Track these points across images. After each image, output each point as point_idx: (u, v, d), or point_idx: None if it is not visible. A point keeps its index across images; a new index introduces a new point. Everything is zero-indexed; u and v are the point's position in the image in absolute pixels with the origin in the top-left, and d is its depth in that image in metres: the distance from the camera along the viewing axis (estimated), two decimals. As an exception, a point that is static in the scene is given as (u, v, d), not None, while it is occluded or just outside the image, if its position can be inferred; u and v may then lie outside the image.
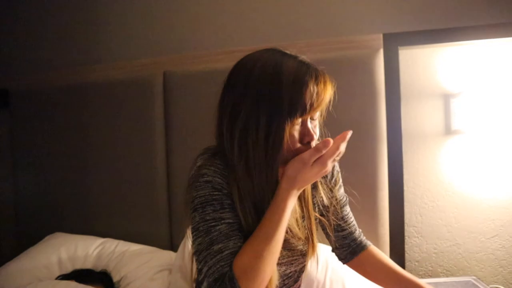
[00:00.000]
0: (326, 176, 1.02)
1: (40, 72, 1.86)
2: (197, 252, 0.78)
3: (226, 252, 0.76)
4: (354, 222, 1.06)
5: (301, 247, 0.94)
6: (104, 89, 1.70)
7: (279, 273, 0.92)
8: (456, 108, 1.45)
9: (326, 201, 0.99)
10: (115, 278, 1.39)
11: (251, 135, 0.79)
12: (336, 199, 1.02)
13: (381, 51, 1.42)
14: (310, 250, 0.95)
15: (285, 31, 1.63)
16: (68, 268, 1.45)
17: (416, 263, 1.54)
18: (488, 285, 1.31)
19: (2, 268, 1.46)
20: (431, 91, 1.50)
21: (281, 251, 0.81)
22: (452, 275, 1.50)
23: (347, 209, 1.05)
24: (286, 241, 0.88)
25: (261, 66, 0.80)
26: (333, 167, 1.04)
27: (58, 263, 1.48)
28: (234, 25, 1.69)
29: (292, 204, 0.81)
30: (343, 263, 1.06)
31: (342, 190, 1.05)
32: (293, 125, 0.79)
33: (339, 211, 1.02)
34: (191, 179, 0.85)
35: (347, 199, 1.06)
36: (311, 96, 0.78)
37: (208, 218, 0.79)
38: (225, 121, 0.83)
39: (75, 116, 1.75)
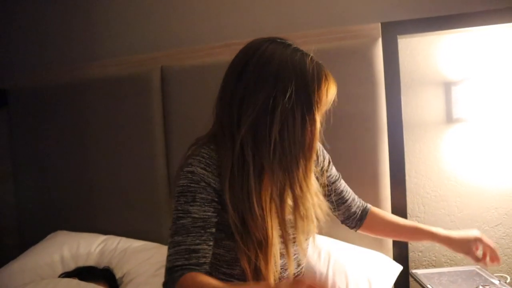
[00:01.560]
0: (317, 159, 1.07)
1: (37, 71, 1.86)
2: (169, 235, 0.85)
3: (183, 246, 0.81)
4: (351, 190, 1.17)
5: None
6: (102, 86, 1.70)
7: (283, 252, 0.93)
8: (457, 96, 1.44)
9: (316, 184, 1.03)
10: (118, 275, 1.40)
11: (288, 135, 0.83)
12: (332, 177, 1.12)
13: (380, 40, 1.40)
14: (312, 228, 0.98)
15: (283, 22, 1.61)
16: (71, 266, 1.46)
17: (420, 253, 1.53)
18: (492, 274, 1.30)
19: (5, 267, 1.46)
20: (432, 80, 1.49)
21: (286, 229, 0.88)
22: (456, 264, 1.49)
23: (342, 182, 1.16)
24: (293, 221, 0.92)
25: (290, 67, 0.84)
26: (320, 150, 1.09)
27: (60, 261, 1.48)
28: (230, 18, 1.68)
29: None
30: (355, 230, 1.18)
31: (334, 168, 1.15)
32: (317, 123, 0.86)
33: (337, 186, 1.13)
34: (179, 168, 0.88)
35: (340, 174, 1.16)
36: (326, 94, 0.87)
37: (179, 208, 0.84)
38: (251, 116, 0.83)
39: (74, 114, 1.75)
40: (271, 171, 0.84)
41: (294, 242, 0.95)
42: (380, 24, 1.41)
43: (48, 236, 1.65)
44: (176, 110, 1.60)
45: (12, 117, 1.86)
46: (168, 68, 1.61)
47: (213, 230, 0.85)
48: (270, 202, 0.85)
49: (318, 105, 0.85)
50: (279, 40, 0.89)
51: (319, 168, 1.06)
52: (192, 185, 0.84)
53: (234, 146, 0.85)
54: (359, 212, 1.16)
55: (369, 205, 1.19)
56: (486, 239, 1.12)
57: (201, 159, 0.86)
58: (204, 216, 0.84)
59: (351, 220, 1.16)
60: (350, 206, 1.15)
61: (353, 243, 1.39)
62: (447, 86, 1.48)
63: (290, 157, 0.84)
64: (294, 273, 1.00)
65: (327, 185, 1.08)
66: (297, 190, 0.86)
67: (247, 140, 0.84)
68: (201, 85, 1.53)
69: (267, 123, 0.83)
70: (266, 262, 0.84)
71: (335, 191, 1.12)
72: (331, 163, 1.13)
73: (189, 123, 1.56)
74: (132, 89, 1.65)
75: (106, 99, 1.70)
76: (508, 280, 1.24)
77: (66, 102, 1.75)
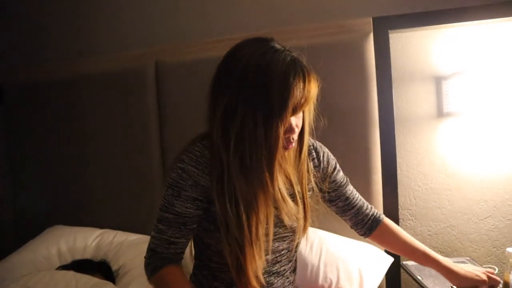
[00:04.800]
0: (319, 165, 1.06)
1: (31, 66, 1.87)
2: (156, 218, 0.93)
3: (164, 236, 0.91)
4: (361, 198, 1.15)
5: (290, 223, 0.96)
6: (97, 81, 1.71)
7: (273, 248, 0.95)
8: (448, 91, 1.45)
9: (315, 187, 1.04)
10: (114, 267, 1.42)
11: (249, 136, 0.83)
12: (337, 183, 1.09)
13: (371, 35, 1.41)
14: (301, 227, 0.99)
15: (275, 18, 1.62)
16: (68, 260, 1.48)
17: (411, 246, 1.55)
18: (481, 265, 1.32)
19: (3, 261, 1.49)
20: (423, 74, 1.50)
21: (271, 228, 0.90)
22: (447, 256, 1.50)
23: (350, 187, 1.13)
24: (277, 217, 0.93)
25: (253, 69, 0.83)
26: (323, 155, 1.08)
27: (58, 254, 1.51)
28: (224, 13, 1.68)
29: None
30: (365, 238, 1.16)
31: (340, 173, 1.12)
32: (285, 124, 0.84)
33: (343, 192, 1.11)
34: (173, 160, 0.93)
35: (347, 179, 1.13)
36: (300, 96, 0.84)
37: (166, 198, 0.92)
38: (218, 120, 0.86)
39: (69, 109, 1.76)
40: (234, 174, 0.85)
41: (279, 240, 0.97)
42: (371, 19, 1.42)
43: (45, 231, 1.67)
44: (171, 105, 1.61)
45: (7, 113, 1.86)
46: (162, 63, 1.62)
47: (193, 225, 0.93)
48: (240, 204, 0.86)
49: (287, 107, 0.82)
50: (260, 42, 0.88)
51: (320, 174, 1.05)
52: (180, 181, 0.90)
53: (214, 147, 0.88)
54: (369, 221, 1.13)
55: (382, 216, 1.15)
56: (494, 280, 1.06)
57: (193, 156, 0.90)
58: (185, 213, 0.90)
59: (359, 227, 1.14)
60: (357, 213, 1.12)
61: (345, 236, 1.41)
62: (438, 81, 1.49)
63: (251, 161, 0.84)
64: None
65: (329, 191, 1.08)
66: (258, 196, 0.86)
67: (219, 143, 0.87)
68: (196, 79, 1.53)
69: (230, 126, 0.84)
70: (245, 261, 0.87)
71: (340, 198, 1.10)
72: (337, 168, 1.10)
73: (184, 118, 1.57)
74: (127, 84, 1.66)
75: (101, 94, 1.71)
76: (496, 271, 1.26)
77: (61, 98, 1.76)
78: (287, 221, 0.93)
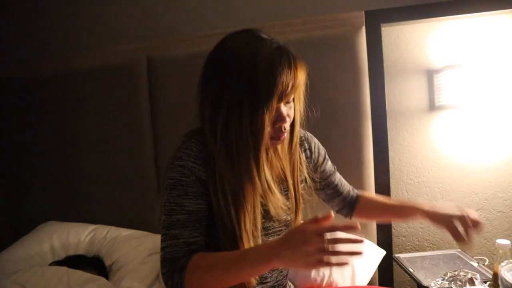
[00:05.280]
0: (311, 155, 1.06)
1: (22, 62, 1.85)
2: (162, 227, 0.87)
3: (182, 240, 0.85)
4: (346, 183, 1.16)
5: (285, 217, 0.97)
6: (88, 77, 1.70)
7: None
8: (441, 84, 1.46)
9: (308, 178, 1.04)
10: (107, 263, 1.42)
11: (234, 124, 0.82)
12: (326, 172, 1.10)
13: (364, 29, 1.41)
14: (294, 219, 0.99)
15: (267, 11, 1.61)
16: (61, 255, 1.47)
17: (403, 238, 1.57)
18: (472, 257, 1.33)
19: (-4, 257, 1.48)
20: (415, 68, 1.50)
21: (259, 220, 0.89)
22: (438, 248, 1.53)
23: (337, 175, 1.14)
24: (264, 209, 0.92)
25: (238, 57, 0.83)
26: (314, 146, 1.08)
27: (51, 250, 1.50)
28: (215, 7, 1.67)
29: (266, 268, 0.79)
30: (350, 218, 1.16)
31: (329, 162, 1.13)
32: (271, 111, 0.82)
33: (332, 180, 1.11)
34: (170, 160, 0.89)
35: (335, 167, 1.14)
36: (286, 82, 0.82)
37: (172, 200, 0.86)
38: (207, 111, 0.86)
39: (60, 105, 1.75)
40: (222, 164, 0.84)
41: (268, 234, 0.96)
42: (363, 13, 1.42)
43: (38, 227, 1.66)
44: (163, 99, 1.60)
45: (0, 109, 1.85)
46: (154, 58, 1.61)
47: (205, 221, 0.88)
48: (228, 195, 0.86)
49: (273, 93, 0.81)
50: (246, 32, 0.88)
51: (311, 165, 1.06)
52: (183, 178, 0.86)
53: (214, 144, 0.86)
54: (351, 201, 1.15)
55: (358, 192, 1.17)
56: (472, 216, 0.98)
57: (191, 152, 0.87)
58: (198, 209, 0.86)
59: (344, 210, 1.15)
60: (345, 198, 1.14)
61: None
62: (430, 74, 1.50)
63: (237, 150, 0.83)
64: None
65: (320, 181, 1.08)
66: (245, 186, 0.85)
67: (209, 134, 0.86)
68: (188, 74, 1.51)
69: (217, 116, 0.84)
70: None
71: (329, 186, 1.12)
72: (327, 158, 1.11)
73: (177, 112, 1.56)
74: (119, 79, 1.65)
75: (93, 90, 1.69)
76: (487, 262, 1.28)
77: (52, 94, 1.75)
78: (273, 213, 0.92)
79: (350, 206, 1.14)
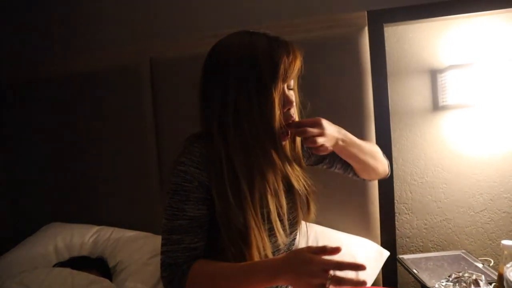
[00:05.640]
0: (310, 156, 1.08)
1: (24, 65, 1.86)
2: (163, 230, 0.88)
3: (183, 245, 0.85)
4: None
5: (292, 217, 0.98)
6: (91, 78, 1.71)
7: (272, 245, 0.94)
8: (444, 84, 1.45)
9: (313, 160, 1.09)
10: (111, 264, 1.43)
11: (245, 115, 0.84)
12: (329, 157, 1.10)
13: (366, 29, 1.41)
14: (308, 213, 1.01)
15: (270, 12, 1.61)
16: (65, 257, 1.48)
17: (407, 239, 1.56)
18: (477, 258, 1.33)
19: (0, 258, 1.48)
20: (418, 67, 1.50)
21: (283, 199, 0.90)
22: (443, 249, 1.52)
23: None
24: (286, 184, 0.93)
25: (237, 52, 0.86)
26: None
27: (55, 252, 1.51)
28: (219, 7, 1.67)
29: (266, 285, 0.80)
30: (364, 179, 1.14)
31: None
32: (279, 92, 0.84)
33: (336, 156, 1.07)
34: (172, 164, 0.89)
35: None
36: (286, 65, 0.85)
37: (173, 205, 0.86)
38: (215, 110, 0.86)
39: (64, 106, 1.76)
40: (237, 157, 0.85)
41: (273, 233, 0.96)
42: (366, 13, 1.42)
43: (42, 228, 1.67)
44: (166, 101, 1.61)
45: (1, 110, 1.85)
46: (157, 59, 1.61)
47: (206, 226, 0.89)
48: (244, 192, 0.85)
49: (277, 71, 0.83)
50: (240, 31, 0.91)
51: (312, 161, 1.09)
52: (185, 184, 0.86)
53: (213, 142, 0.87)
54: None
55: None
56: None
57: (193, 157, 0.87)
58: (199, 215, 0.87)
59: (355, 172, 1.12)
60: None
61: (341, 231, 1.42)
62: (434, 74, 1.49)
63: (251, 136, 0.84)
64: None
65: (323, 163, 1.10)
66: (265, 169, 0.86)
67: (217, 134, 0.86)
68: (191, 75, 1.52)
69: (226, 111, 0.85)
70: (249, 253, 0.85)
71: (335, 161, 1.10)
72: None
73: (180, 114, 1.56)
74: (122, 81, 1.65)
75: (96, 91, 1.70)
76: (492, 264, 1.27)
77: (55, 95, 1.76)
78: (297, 185, 0.91)
79: None
